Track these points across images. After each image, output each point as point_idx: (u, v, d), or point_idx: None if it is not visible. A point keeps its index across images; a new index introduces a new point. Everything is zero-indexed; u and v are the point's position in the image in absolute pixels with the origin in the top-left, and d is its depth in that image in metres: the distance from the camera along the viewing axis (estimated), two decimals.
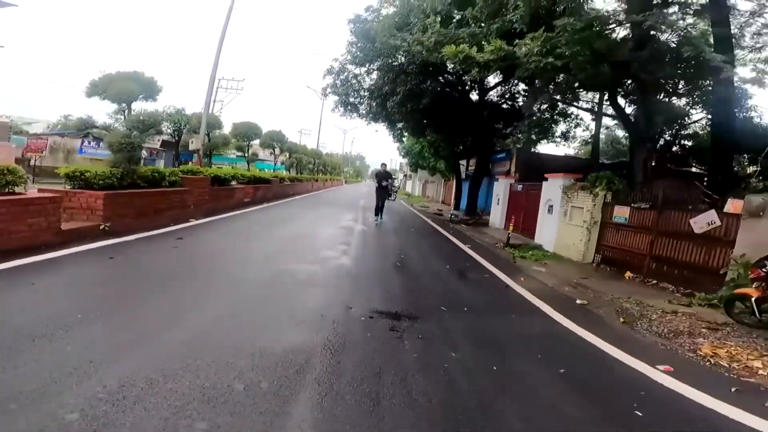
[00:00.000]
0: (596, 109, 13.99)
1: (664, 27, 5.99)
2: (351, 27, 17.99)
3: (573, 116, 16.08)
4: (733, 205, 5.34)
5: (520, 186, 13.13)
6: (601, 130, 16.37)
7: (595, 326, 4.03)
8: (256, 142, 18.58)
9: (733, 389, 2.79)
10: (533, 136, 14.81)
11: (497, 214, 14.56)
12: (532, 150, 16.42)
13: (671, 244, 6.42)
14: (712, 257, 5.64)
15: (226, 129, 15.59)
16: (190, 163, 13.81)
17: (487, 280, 5.98)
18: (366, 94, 18.30)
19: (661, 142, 12.42)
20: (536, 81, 7.26)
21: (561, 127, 16.48)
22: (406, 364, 2.73)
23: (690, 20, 7.49)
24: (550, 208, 10.15)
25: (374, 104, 17.76)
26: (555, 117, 14.08)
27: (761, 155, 7.88)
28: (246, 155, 17.10)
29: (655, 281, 6.47)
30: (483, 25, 8.37)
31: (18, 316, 2.80)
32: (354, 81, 18.74)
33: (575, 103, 12.59)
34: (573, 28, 5.56)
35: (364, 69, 18.43)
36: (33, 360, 2.21)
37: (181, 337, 2.75)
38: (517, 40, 6.22)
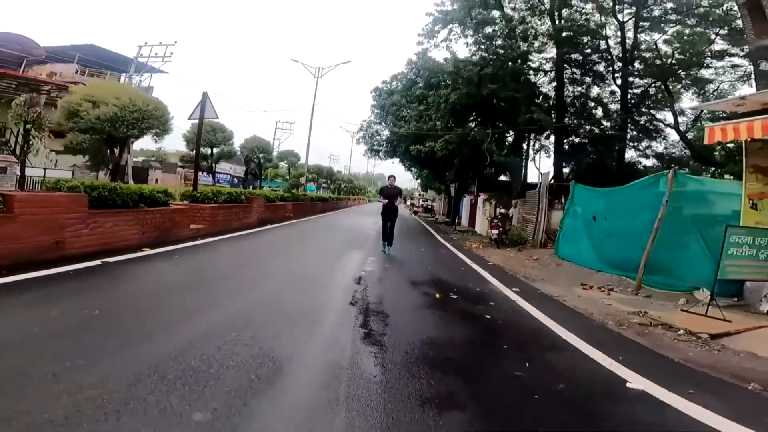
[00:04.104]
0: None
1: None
2: (373, 95, 28.66)
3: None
4: (514, 204, 14.79)
5: (473, 200, 22.68)
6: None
7: (451, 243, 13.52)
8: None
9: (463, 249, 12.24)
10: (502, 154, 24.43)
11: (464, 218, 24.10)
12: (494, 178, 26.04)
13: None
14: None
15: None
16: (266, 187, 24.27)
17: (429, 237, 15.61)
18: (384, 142, 28.52)
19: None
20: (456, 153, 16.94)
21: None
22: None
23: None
24: (480, 211, 19.68)
25: (389, 148, 27.87)
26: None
27: None
28: (315, 184, 27.69)
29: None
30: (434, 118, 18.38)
31: (287, 238, 12.75)
32: (376, 135, 29.11)
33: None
34: (454, 137, 15.26)
35: (382, 125, 28.86)
36: (286, 254, 12.12)
37: (330, 243, 12.53)
38: (438, 140, 15.96)
